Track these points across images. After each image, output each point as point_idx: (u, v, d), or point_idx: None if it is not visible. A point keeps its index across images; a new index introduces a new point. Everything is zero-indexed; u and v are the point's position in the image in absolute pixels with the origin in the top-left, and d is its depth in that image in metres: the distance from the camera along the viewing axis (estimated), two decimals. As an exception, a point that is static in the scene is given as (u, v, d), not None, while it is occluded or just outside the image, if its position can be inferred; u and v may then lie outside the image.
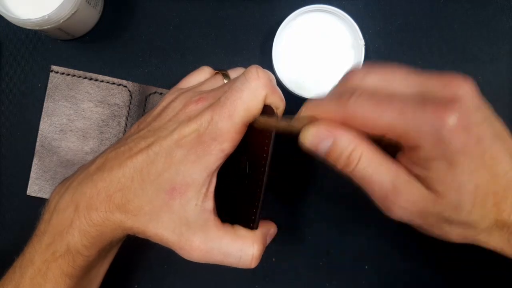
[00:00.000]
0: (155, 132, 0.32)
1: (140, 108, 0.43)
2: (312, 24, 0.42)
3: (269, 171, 0.32)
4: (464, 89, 0.26)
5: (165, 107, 0.34)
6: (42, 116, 0.43)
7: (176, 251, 0.31)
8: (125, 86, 0.43)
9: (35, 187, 0.42)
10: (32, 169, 0.42)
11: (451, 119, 0.25)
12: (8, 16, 0.36)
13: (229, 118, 0.30)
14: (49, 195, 0.42)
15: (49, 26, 0.37)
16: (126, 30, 0.43)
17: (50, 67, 0.43)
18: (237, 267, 0.32)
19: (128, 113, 0.43)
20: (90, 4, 0.40)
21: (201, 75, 0.39)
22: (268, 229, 0.34)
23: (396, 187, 0.27)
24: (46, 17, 0.36)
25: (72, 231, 0.31)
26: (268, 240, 0.34)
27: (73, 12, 0.37)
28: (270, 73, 0.33)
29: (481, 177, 0.26)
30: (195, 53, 0.43)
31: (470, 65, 0.43)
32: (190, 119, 0.31)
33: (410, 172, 0.27)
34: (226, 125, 0.30)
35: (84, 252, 0.31)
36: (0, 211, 0.43)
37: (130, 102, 0.43)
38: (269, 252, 0.33)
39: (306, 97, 0.41)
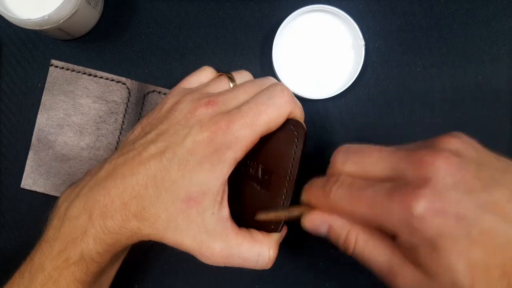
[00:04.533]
0: (164, 137, 0.31)
1: (138, 106, 0.43)
2: (312, 24, 0.42)
3: (297, 178, 0.34)
4: (436, 167, 0.25)
5: (171, 109, 0.33)
6: (39, 109, 0.42)
7: (197, 257, 0.32)
8: (123, 84, 0.43)
9: (29, 180, 0.42)
10: (27, 162, 0.42)
11: (419, 207, 0.24)
12: (8, 16, 0.36)
13: (249, 128, 0.31)
14: (42, 188, 0.42)
15: (49, 26, 0.37)
16: (126, 30, 0.43)
17: (50, 61, 0.43)
18: (254, 268, 0.33)
19: (125, 111, 0.43)
20: (90, 4, 0.40)
21: (203, 76, 0.38)
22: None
23: (392, 269, 0.28)
24: (46, 17, 0.36)
25: (87, 239, 0.30)
26: (280, 241, 0.35)
27: (73, 12, 0.37)
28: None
29: (473, 254, 0.24)
30: (195, 53, 0.43)
31: (470, 65, 0.43)
32: (202, 124, 0.31)
33: (405, 253, 0.27)
34: (244, 134, 0.31)
35: (98, 259, 0.31)
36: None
37: (128, 100, 0.43)
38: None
39: (306, 97, 0.41)
